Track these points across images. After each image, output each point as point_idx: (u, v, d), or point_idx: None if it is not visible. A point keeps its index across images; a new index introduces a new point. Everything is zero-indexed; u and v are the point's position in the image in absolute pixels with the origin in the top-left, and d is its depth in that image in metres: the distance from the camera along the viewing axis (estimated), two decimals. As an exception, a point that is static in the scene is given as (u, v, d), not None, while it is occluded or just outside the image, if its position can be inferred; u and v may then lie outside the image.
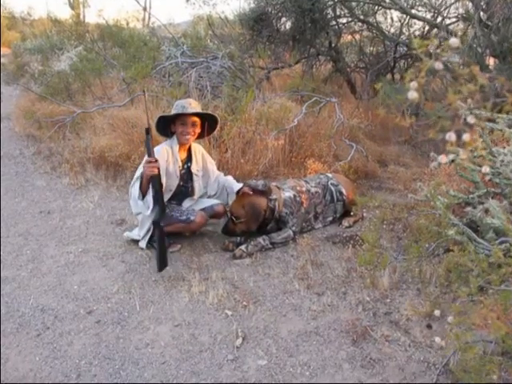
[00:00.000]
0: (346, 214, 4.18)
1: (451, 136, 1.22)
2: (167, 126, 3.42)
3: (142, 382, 2.30)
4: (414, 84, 1.26)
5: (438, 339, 2.21)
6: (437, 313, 2.37)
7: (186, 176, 3.58)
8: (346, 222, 4.09)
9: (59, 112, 5.95)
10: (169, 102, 5.36)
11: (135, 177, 3.25)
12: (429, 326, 2.76)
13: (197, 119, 3.41)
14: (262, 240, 3.58)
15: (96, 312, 2.81)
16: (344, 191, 4.14)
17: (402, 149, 6.51)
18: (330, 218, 4.12)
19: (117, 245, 3.61)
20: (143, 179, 3.09)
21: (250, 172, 4.66)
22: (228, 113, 4.91)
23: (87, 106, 6.15)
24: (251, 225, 3.62)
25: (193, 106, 3.36)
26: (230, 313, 2.82)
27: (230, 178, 3.80)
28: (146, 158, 3.15)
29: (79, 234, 3.79)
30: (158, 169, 3.05)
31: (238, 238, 3.66)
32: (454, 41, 1.20)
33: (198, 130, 3.46)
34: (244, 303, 2.91)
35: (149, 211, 3.26)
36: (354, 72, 8.23)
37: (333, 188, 4.12)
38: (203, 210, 3.68)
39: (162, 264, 3.14)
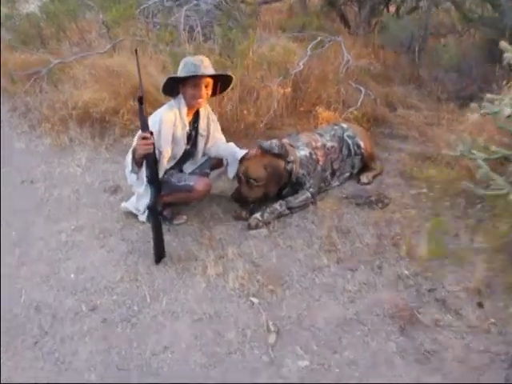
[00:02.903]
0: (363, 168, 3.77)
1: None
2: (174, 86, 2.90)
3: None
4: None
5: None
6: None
7: (192, 138, 3.11)
8: (364, 178, 3.69)
9: (33, 62, 5.27)
10: (156, 48, 4.77)
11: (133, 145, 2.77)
12: (480, 305, 2.43)
13: (210, 80, 2.91)
14: (278, 206, 3.17)
15: (100, 308, 2.42)
16: (362, 144, 3.71)
17: (407, 89, 6.03)
18: (348, 174, 3.71)
19: (114, 218, 3.17)
20: (135, 157, 2.61)
21: (254, 124, 4.17)
22: (224, 57, 4.35)
23: (64, 54, 5.48)
24: (271, 188, 3.19)
25: (205, 64, 2.84)
26: (256, 300, 2.45)
27: (231, 144, 3.30)
28: (139, 132, 2.69)
29: (69, 206, 3.33)
30: (154, 145, 2.57)
31: (251, 205, 3.24)
32: None
33: (210, 91, 2.97)
34: (270, 287, 2.54)
35: (142, 189, 2.84)
36: (346, 5, 7.55)
37: (349, 141, 3.68)
38: (201, 166, 3.25)
39: (159, 255, 2.73)
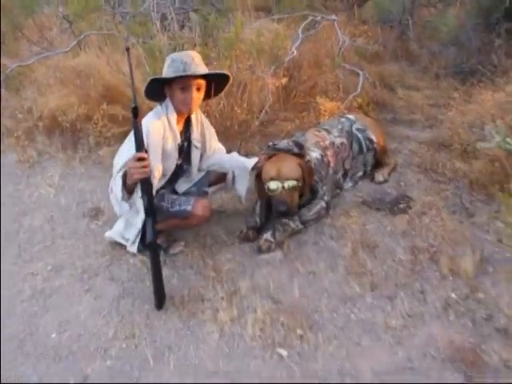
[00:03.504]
0: (375, 164, 3.33)
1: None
2: (160, 88, 2.39)
3: None
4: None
5: None
6: None
7: (184, 151, 2.60)
8: (380, 176, 3.25)
9: (-13, 67, 4.67)
10: (127, 41, 4.20)
11: (117, 165, 2.25)
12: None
13: (202, 81, 2.39)
14: (290, 221, 2.70)
15: (92, 377, 1.93)
16: (374, 137, 3.26)
17: (400, 67, 5.61)
18: (360, 173, 3.27)
19: (98, 252, 2.67)
20: (128, 181, 2.11)
21: (246, 122, 3.67)
22: (207, 47, 3.83)
23: (23, 55, 4.87)
24: (305, 192, 2.72)
25: (197, 62, 2.32)
26: (284, 352, 1.99)
27: (234, 154, 2.80)
28: (124, 148, 2.20)
29: (43, 239, 2.82)
30: (150, 168, 2.08)
31: (258, 222, 2.77)
32: None
33: (202, 95, 2.44)
34: (298, 331, 2.09)
35: (136, 219, 2.38)
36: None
37: (359, 134, 3.24)
38: (197, 184, 2.75)
39: (160, 299, 2.25)
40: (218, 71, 2.53)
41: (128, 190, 2.13)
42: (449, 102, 4.52)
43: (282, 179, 2.55)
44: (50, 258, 2.65)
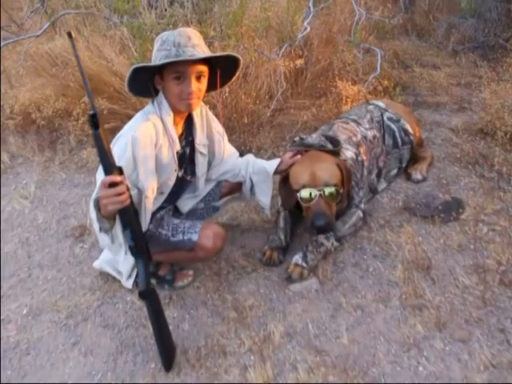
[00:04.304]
0: (410, 158, 2.82)
1: None
2: (148, 79, 1.81)
3: None
4: None
5: None
6: None
7: (186, 159, 2.04)
8: (418, 174, 2.76)
9: None
10: (109, 21, 3.61)
11: (98, 181, 1.68)
12: None
13: (203, 67, 1.79)
14: (324, 240, 2.18)
15: None
16: (409, 128, 2.73)
17: (412, 42, 5.11)
18: (395, 171, 2.76)
19: (85, 286, 2.14)
20: (102, 212, 1.53)
21: (255, 113, 3.12)
22: (206, 24, 3.25)
23: (-13, 40, 4.24)
24: (345, 200, 2.18)
25: (194, 42, 1.74)
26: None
27: (250, 157, 2.23)
28: (98, 174, 1.66)
29: (17, 270, 2.28)
30: (129, 193, 1.51)
31: (284, 240, 2.25)
32: None
33: (205, 85, 1.85)
34: (356, 395, 1.58)
35: (122, 256, 1.80)
36: None
37: (393, 126, 2.72)
38: (206, 198, 2.22)
39: (168, 358, 1.72)
40: (223, 53, 1.93)
41: (107, 217, 1.55)
42: (475, 81, 4.04)
43: (320, 185, 2.02)
44: (26, 296, 2.11)
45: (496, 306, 1.90)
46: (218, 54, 1.88)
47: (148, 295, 1.62)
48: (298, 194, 2.04)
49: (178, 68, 1.72)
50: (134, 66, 1.70)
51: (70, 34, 1.44)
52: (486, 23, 4.75)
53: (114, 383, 1.69)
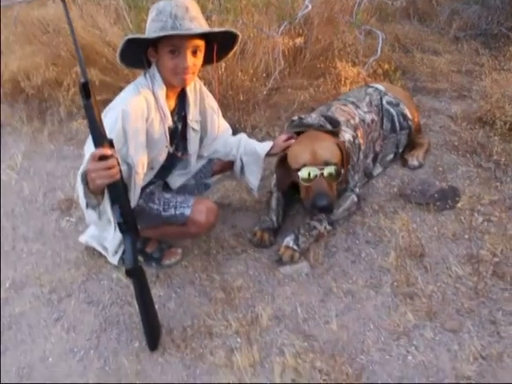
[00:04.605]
0: (407, 144, 2.77)
1: None
2: (142, 51, 1.74)
3: None
4: None
5: None
6: None
7: (178, 135, 1.98)
8: (414, 160, 2.70)
9: None
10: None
11: (86, 155, 1.61)
12: None
13: (200, 42, 1.72)
14: (317, 223, 2.13)
15: None
16: (408, 113, 2.68)
17: (414, 26, 5.01)
18: (391, 156, 2.71)
19: (70, 261, 2.09)
20: (91, 186, 1.45)
21: (251, 91, 3.04)
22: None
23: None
24: (344, 181, 2.15)
25: (192, 14, 1.66)
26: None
27: (243, 136, 2.18)
28: (87, 147, 1.58)
29: (2, 242, 2.21)
30: (119, 167, 1.44)
31: (275, 221, 2.20)
32: None
33: (201, 60, 1.78)
34: (344, 378, 1.55)
35: (111, 234, 1.79)
36: None
37: (392, 110, 2.66)
38: (197, 175, 2.16)
39: (153, 338, 1.68)
40: (222, 29, 1.85)
41: (95, 192, 1.49)
42: (475, 69, 3.98)
43: (320, 164, 1.96)
44: (10, 269, 2.06)
45: (488, 298, 1.86)
46: (217, 29, 1.80)
47: (135, 273, 1.57)
48: (299, 173, 1.98)
49: (173, 41, 1.65)
50: (128, 37, 1.63)
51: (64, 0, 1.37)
52: (490, 11, 4.68)
53: (96, 361, 1.65)
